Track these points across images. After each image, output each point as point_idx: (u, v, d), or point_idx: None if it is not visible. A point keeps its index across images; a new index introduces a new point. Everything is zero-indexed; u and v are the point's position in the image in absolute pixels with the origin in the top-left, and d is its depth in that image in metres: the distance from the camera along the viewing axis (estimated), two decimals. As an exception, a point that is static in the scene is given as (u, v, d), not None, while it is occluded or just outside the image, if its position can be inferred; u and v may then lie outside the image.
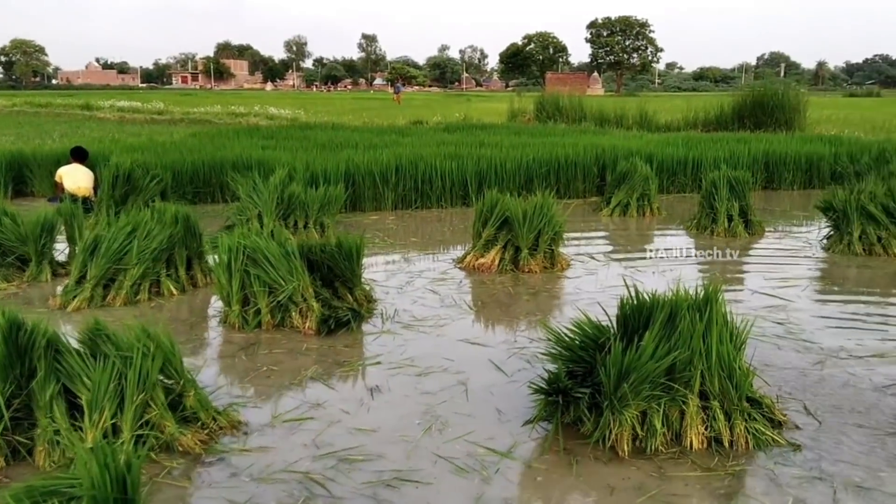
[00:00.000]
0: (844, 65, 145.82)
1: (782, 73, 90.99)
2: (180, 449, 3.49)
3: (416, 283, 6.56)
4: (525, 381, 4.16)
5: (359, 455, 3.50)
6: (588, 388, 3.65)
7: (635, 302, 3.82)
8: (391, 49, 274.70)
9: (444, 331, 5.32)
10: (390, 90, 78.39)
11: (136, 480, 2.52)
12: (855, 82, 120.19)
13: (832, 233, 8.06)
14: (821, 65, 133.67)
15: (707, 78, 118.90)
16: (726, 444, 3.55)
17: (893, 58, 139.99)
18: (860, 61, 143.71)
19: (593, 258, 7.52)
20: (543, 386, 3.79)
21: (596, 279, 6.66)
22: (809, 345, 4.99)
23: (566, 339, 3.88)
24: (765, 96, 18.38)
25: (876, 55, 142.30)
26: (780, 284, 6.55)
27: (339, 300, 5.59)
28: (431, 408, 4.02)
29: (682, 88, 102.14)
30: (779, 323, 5.43)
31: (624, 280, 4.30)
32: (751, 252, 8.04)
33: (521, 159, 11.22)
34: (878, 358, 4.76)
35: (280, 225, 7.94)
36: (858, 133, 17.72)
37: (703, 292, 3.78)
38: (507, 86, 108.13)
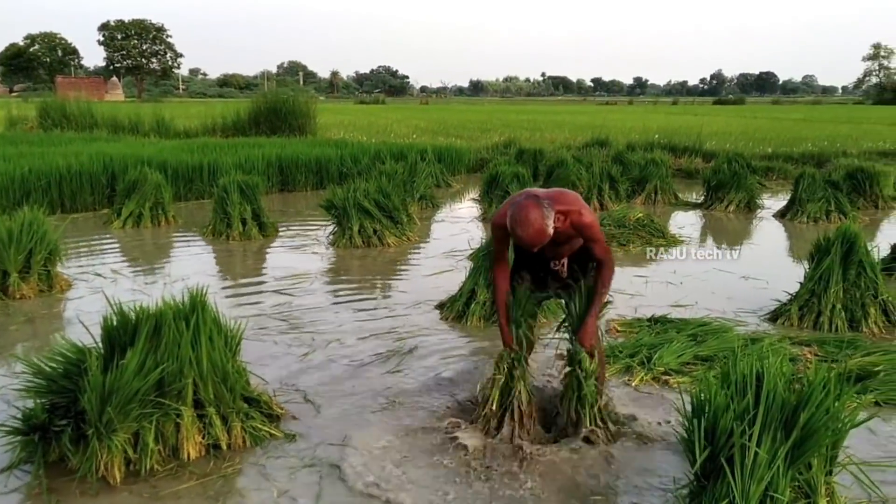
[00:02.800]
0: (355, 74, 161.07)
1: (301, 82, 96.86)
2: None
3: None
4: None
5: None
6: (71, 418, 3.34)
7: (118, 318, 3.61)
8: None
9: None
10: None
11: None
12: (365, 90, 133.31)
13: (336, 229, 8.73)
14: (334, 74, 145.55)
15: (232, 84, 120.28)
16: (224, 448, 3.57)
17: (394, 69, 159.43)
18: (368, 71, 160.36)
19: (100, 275, 7.01)
20: (18, 426, 3.37)
21: (101, 298, 6.19)
22: (311, 336, 5.31)
23: (46, 368, 3.51)
24: (278, 103, 19.26)
25: (380, 66, 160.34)
26: (291, 282, 6.87)
27: None
28: None
29: (209, 95, 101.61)
30: (283, 319, 5.68)
31: (105, 297, 4.03)
32: (265, 253, 8.32)
33: (14, 172, 9.99)
34: (372, 337, 5.28)
35: None
36: (363, 136, 19.62)
37: (189, 300, 3.72)
38: (11, 91, 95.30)
